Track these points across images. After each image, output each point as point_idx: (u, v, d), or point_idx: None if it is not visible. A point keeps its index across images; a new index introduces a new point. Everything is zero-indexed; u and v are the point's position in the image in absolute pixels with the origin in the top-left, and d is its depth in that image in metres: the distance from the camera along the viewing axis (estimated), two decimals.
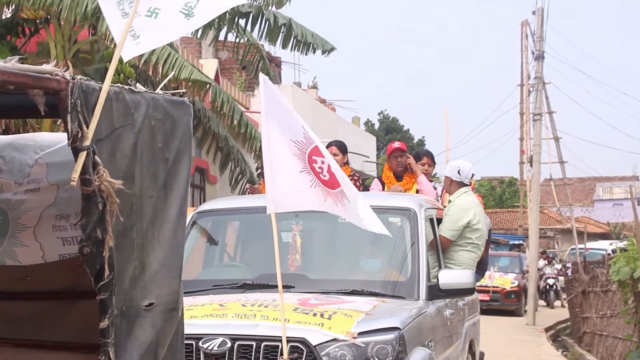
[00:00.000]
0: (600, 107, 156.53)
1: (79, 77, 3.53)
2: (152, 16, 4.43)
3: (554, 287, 33.00)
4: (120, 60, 12.12)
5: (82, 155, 3.48)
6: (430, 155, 10.00)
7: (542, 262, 33.64)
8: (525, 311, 28.24)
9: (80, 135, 3.49)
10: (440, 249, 8.14)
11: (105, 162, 3.58)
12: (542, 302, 32.79)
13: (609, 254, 33.52)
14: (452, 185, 8.79)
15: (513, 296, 28.50)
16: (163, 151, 4.01)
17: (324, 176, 5.97)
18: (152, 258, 3.91)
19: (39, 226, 4.46)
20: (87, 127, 3.52)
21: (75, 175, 3.46)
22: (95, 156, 3.54)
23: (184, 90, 4.57)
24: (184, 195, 4.12)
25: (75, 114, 3.49)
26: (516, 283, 28.69)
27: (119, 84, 3.84)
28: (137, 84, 3.95)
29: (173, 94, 4.14)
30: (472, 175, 9.01)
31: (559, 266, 35.43)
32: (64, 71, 3.50)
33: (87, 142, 3.51)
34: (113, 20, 4.46)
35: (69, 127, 3.48)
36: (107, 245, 3.57)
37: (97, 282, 3.59)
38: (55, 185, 4.40)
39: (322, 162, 6.01)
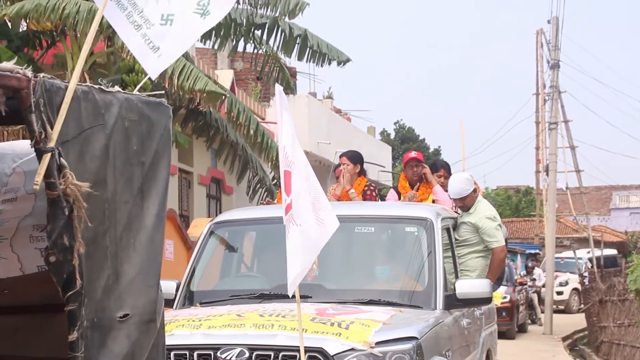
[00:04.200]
0: (617, 115, 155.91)
1: (41, 75, 3.35)
2: (167, 24, 4.23)
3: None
4: (137, 72, 12.01)
5: (46, 158, 3.29)
6: (447, 167, 9.98)
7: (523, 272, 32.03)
8: (517, 331, 25.07)
9: (44, 136, 3.30)
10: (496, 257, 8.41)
11: (73, 165, 3.40)
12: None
13: (588, 267, 33.36)
14: (473, 197, 8.84)
15: (504, 314, 22.59)
16: (139, 154, 3.81)
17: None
18: (127, 266, 3.73)
19: (16, 237, 4.26)
20: (52, 128, 3.33)
21: (39, 178, 3.28)
22: (61, 158, 3.34)
23: (162, 92, 4.40)
24: (162, 201, 3.91)
25: (38, 114, 3.29)
26: (507, 298, 23.60)
27: (87, 84, 3.63)
28: (110, 84, 3.77)
29: (150, 95, 3.93)
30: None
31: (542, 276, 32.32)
32: (25, 68, 3.31)
33: (52, 144, 3.32)
34: (127, 35, 4.26)
35: (32, 128, 3.29)
36: (77, 252, 3.39)
37: (65, 292, 3.41)
38: (33, 194, 4.13)
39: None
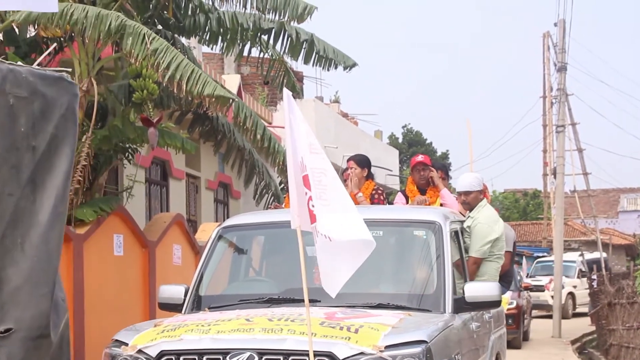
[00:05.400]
0: (624, 118, 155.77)
1: None
2: None
3: None
4: (144, 77, 11.98)
5: None
6: (444, 169, 9.99)
7: None
8: (526, 340, 23.98)
9: None
10: (467, 267, 8.17)
11: None
12: None
13: (580, 269, 32.95)
14: (478, 198, 8.83)
15: (511, 321, 20.29)
16: (28, 137, 3.23)
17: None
18: (11, 271, 3.15)
19: None
20: None
21: None
22: None
23: (70, 70, 3.84)
24: (61, 194, 3.31)
25: None
26: (514, 303, 21.88)
27: None
28: None
29: (54, 71, 3.37)
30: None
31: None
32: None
33: None
34: None
35: None
36: None
37: None
38: None
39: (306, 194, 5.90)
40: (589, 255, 36.83)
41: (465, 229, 8.55)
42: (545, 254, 40.00)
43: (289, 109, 6.05)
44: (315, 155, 5.94)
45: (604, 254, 37.55)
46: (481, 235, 8.48)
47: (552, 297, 32.08)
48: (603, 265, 32.05)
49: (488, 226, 8.54)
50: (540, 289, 32.74)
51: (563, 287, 34.12)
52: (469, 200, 8.80)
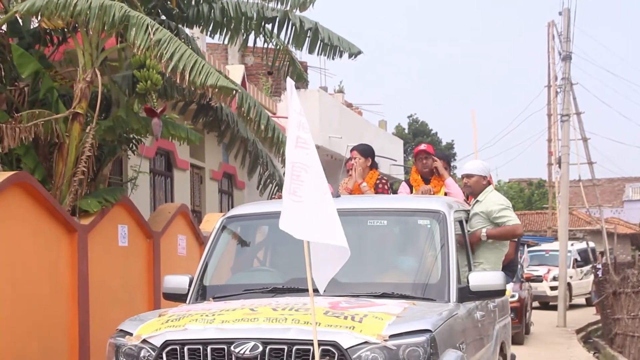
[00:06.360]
0: (629, 107, 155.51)
1: None
2: None
3: None
4: (148, 67, 12.08)
5: None
6: (446, 159, 9.97)
7: None
8: (527, 333, 22.72)
9: None
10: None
11: None
12: None
13: (575, 259, 32.61)
14: (480, 183, 8.86)
15: (513, 315, 17.30)
16: None
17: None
18: None
19: None
20: None
21: None
22: None
23: None
24: None
25: None
26: (516, 296, 20.57)
27: None
28: None
29: None
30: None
31: None
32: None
33: None
34: None
35: None
36: None
37: None
38: None
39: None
40: (579, 245, 36.79)
41: (477, 214, 8.57)
42: (541, 243, 39.89)
43: (293, 99, 6.04)
44: (301, 149, 5.91)
45: (592, 244, 37.47)
46: (506, 208, 8.59)
47: (550, 287, 32.02)
48: (608, 254, 32.00)
49: (503, 202, 8.74)
50: (538, 279, 32.56)
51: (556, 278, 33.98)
52: (471, 184, 8.84)
